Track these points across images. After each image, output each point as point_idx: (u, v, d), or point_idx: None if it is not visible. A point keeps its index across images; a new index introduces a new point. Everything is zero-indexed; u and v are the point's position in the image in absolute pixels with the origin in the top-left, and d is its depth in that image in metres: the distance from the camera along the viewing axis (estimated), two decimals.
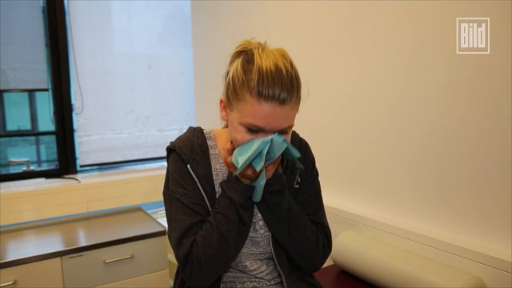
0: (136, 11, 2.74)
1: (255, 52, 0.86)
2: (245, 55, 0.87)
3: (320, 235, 1.04)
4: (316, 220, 1.05)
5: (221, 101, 0.93)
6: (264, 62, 0.83)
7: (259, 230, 0.99)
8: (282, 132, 0.86)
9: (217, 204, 0.94)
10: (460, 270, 1.25)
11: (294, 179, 1.03)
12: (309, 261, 1.02)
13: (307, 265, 1.03)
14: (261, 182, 0.91)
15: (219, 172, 0.99)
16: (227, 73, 0.91)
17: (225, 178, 0.99)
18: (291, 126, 0.87)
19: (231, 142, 0.92)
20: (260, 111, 0.82)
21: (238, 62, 0.87)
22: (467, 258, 1.26)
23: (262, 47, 0.87)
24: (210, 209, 0.96)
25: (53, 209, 2.37)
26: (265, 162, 0.86)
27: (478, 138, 1.26)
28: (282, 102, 0.82)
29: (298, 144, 1.05)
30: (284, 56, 0.86)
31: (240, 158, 0.85)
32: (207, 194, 0.96)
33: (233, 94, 0.86)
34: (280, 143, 0.84)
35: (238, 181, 0.92)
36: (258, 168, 0.84)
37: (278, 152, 0.85)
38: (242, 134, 0.86)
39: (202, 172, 0.96)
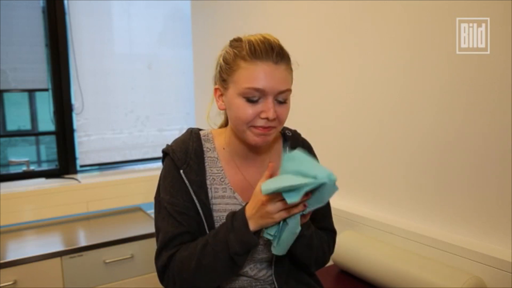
0: (136, 11, 2.74)
1: (242, 36, 0.91)
2: (232, 40, 0.92)
3: (330, 241, 1.04)
4: (325, 226, 1.03)
5: (215, 89, 0.94)
6: (251, 36, 0.88)
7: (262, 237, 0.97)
8: (281, 99, 0.86)
9: (214, 234, 0.86)
10: (460, 270, 1.25)
11: None
12: (320, 265, 1.03)
13: (316, 267, 1.04)
14: (296, 229, 0.80)
15: (215, 177, 0.95)
16: (217, 65, 0.94)
17: (222, 182, 0.95)
18: (289, 91, 0.88)
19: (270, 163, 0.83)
20: (256, 71, 0.83)
21: (225, 47, 0.92)
22: (467, 258, 1.26)
23: None
24: (202, 217, 0.91)
25: (53, 209, 2.37)
26: (304, 202, 0.77)
27: (478, 138, 1.26)
28: (276, 62, 0.84)
29: (300, 144, 1.03)
30: (270, 35, 0.90)
31: (272, 182, 0.75)
32: (200, 201, 0.91)
33: (226, 69, 0.88)
34: (332, 185, 0.73)
35: (246, 226, 0.81)
36: (289, 201, 0.72)
37: (328, 196, 0.75)
38: (243, 108, 0.85)
39: (195, 177, 0.92)
